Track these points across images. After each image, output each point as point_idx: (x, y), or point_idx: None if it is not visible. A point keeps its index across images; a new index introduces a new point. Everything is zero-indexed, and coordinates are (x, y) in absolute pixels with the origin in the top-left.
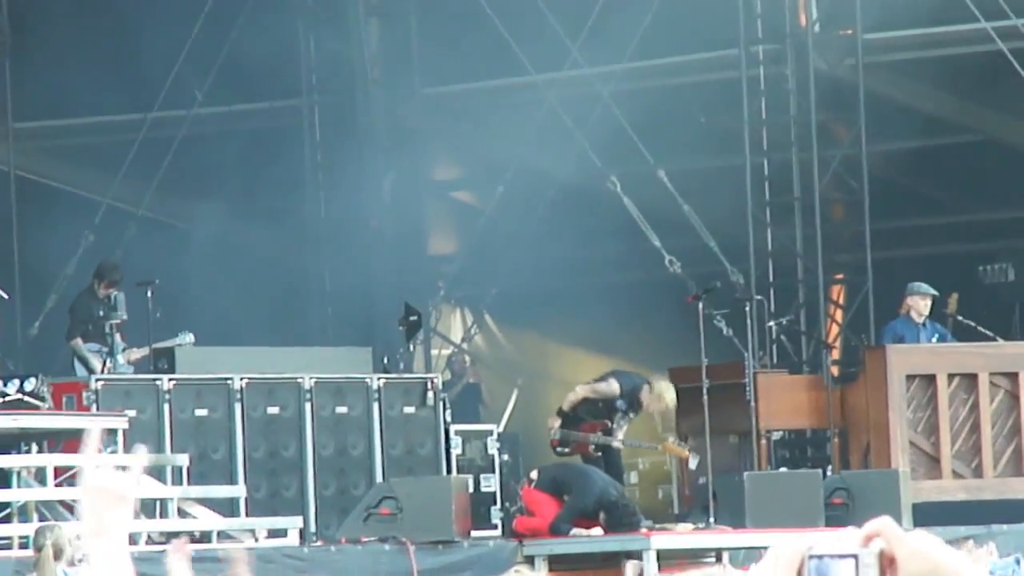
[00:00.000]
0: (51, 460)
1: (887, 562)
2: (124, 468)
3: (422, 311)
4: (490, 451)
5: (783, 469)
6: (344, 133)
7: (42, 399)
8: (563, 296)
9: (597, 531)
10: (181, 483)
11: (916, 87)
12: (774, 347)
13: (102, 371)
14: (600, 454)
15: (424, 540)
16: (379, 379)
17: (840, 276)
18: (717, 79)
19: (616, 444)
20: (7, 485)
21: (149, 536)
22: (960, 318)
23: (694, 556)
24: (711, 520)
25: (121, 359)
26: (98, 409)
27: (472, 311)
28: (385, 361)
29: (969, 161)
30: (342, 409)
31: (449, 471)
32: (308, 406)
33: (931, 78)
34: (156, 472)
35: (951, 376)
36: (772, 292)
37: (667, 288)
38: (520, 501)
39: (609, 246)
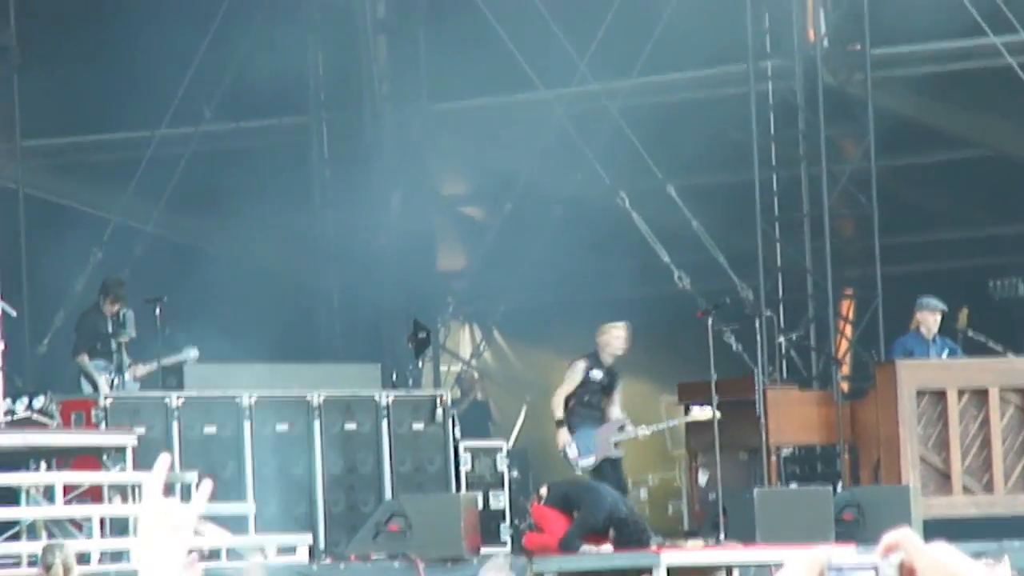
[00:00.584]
0: (60, 478)
1: (907, 573)
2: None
3: (431, 327)
4: (499, 468)
5: (793, 485)
6: (352, 149)
7: (51, 416)
8: (572, 312)
9: (607, 548)
10: (189, 501)
11: (925, 102)
12: (784, 362)
13: (110, 389)
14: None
15: (433, 557)
16: (388, 396)
17: (850, 291)
18: (726, 94)
19: (643, 433)
20: (16, 503)
21: None
22: (970, 333)
23: (704, 572)
24: (721, 536)
25: (128, 376)
26: (107, 426)
27: (481, 327)
28: (394, 378)
29: (979, 176)
30: (351, 426)
31: (458, 488)
32: (317, 423)
33: (940, 93)
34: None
35: (961, 391)
36: (782, 307)
37: (676, 304)
38: (530, 517)
39: (618, 262)
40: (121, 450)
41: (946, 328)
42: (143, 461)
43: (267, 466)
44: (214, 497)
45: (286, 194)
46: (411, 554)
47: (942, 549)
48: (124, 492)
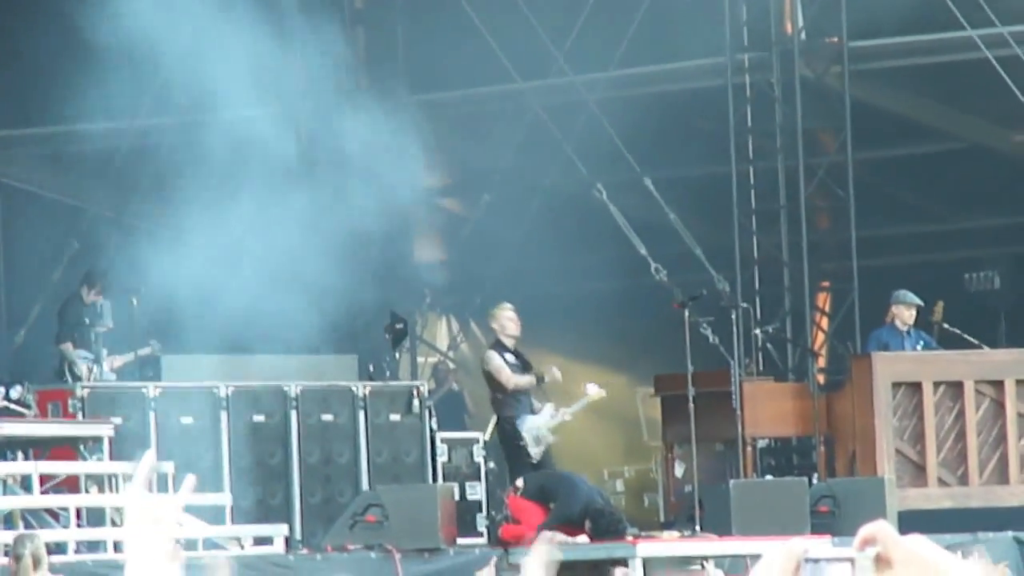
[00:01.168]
0: (37, 468)
1: (883, 565)
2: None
3: (408, 319)
4: (476, 459)
5: (769, 477)
6: (330, 140)
7: (28, 406)
8: (549, 304)
9: (583, 539)
10: (166, 491)
11: (902, 95)
12: (760, 355)
13: (88, 378)
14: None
15: (410, 548)
16: (365, 387)
17: (826, 284)
18: (703, 87)
19: (567, 417)
20: None
21: None
22: (946, 326)
23: (680, 564)
24: (697, 528)
25: (105, 366)
26: (84, 416)
27: (458, 319)
28: (371, 369)
29: (955, 169)
30: (328, 417)
31: (435, 479)
32: (294, 414)
33: (917, 86)
34: None
35: (937, 384)
36: (758, 300)
37: (653, 295)
38: (506, 509)
39: (595, 254)
40: (98, 440)
41: (921, 321)
42: (120, 451)
43: (244, 457)
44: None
45: (263, 184)
46: (387, 545)
47: (918, 541)
48: (101, 482)
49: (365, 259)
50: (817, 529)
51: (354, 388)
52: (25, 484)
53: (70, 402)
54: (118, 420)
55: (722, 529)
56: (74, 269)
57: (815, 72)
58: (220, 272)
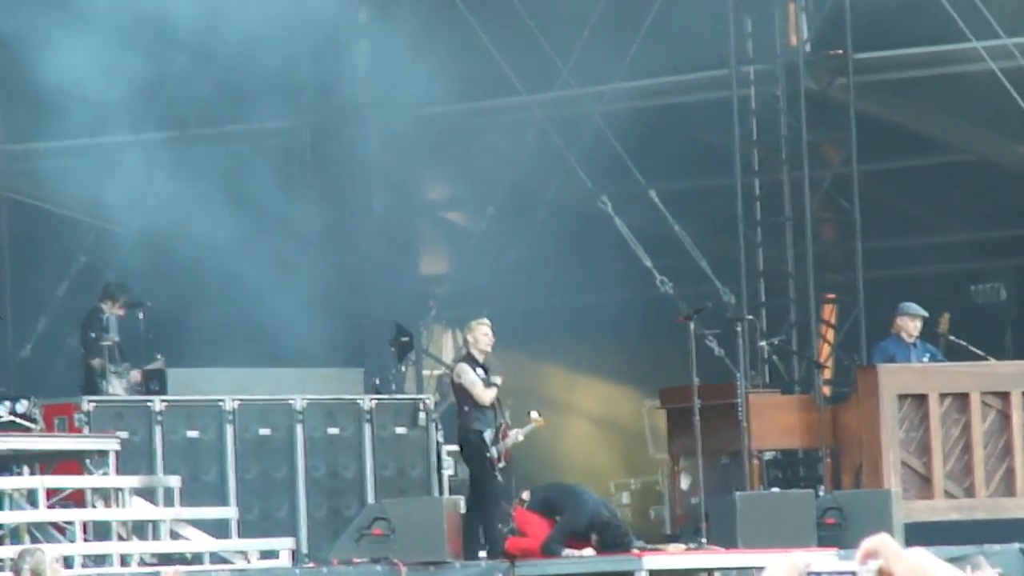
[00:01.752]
0: (43, 482)
1: None
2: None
3: (413, 332)
4: None
5: (775, 489)
6: (335, 154)
7: (34, 421)
8: (554, 316)
9: (589, 551)
10: (173, 505)
11: (907, 107)
12: (766, 367)
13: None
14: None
15: (416, 561)
16: (371, 400)
17: (831, 296)
18: (708, 99)
19: (520, 438)
20: None
21: (141, 558)
22: (952, 338)
23: None
24: (703, 540)
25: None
26: (90, 431)
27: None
28: (377, 382)
29: (960, 181)
30: (334, 430)
31: (441, 492)
32: (299, 427)
33: (921, 98)
34: (148, 494)
35: (943, 396)
36: (763, 312)
37: (658, 308)
38: (512, 521)
39: (600, 266)
40: (104, 454)
41: (927, 333)
42: (126, 466)
43: (249, 470)
44: (197, 501)
45: (269, 198)
46: (394, 558)
47: (920, 554)
48: (107, 496)
49: (371, 272)
50: (823, 541)
51: (360, 401)
52: (31, 498)
53: (76, 416)
54: (124, 434)
55: (728, 542)
56: (80, 283)
57: (820, 84)
58: (225, 285)
